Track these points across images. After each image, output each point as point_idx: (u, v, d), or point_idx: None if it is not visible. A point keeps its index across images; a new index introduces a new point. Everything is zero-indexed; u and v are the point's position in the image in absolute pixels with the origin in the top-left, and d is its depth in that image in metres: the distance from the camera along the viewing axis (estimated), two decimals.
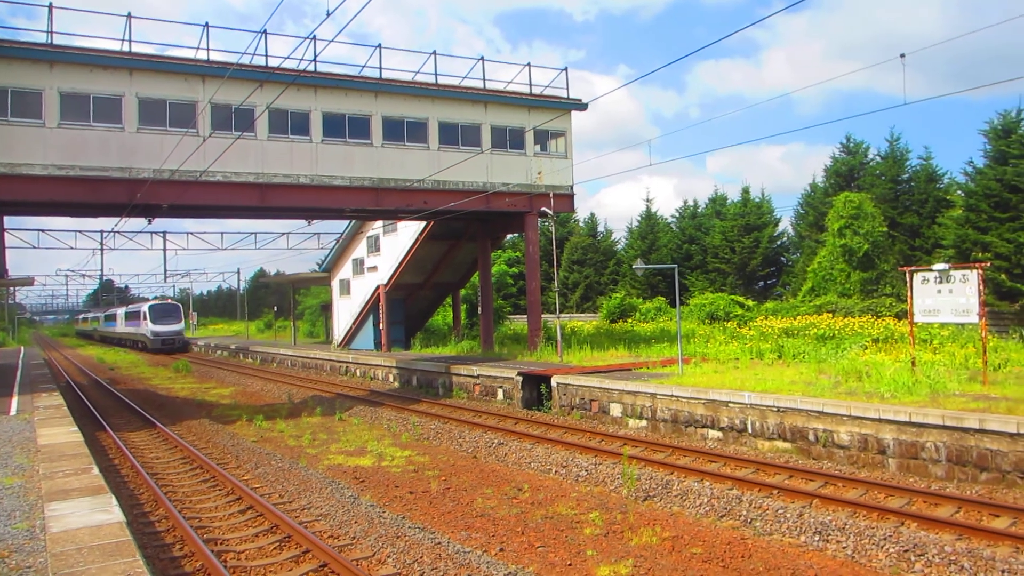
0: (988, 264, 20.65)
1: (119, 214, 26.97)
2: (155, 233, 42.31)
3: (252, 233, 41.37)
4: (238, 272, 70.14)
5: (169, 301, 70.82)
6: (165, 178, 23.20)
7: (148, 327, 64.78)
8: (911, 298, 16.81)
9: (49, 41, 22.68)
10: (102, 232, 40.16)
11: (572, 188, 31.11)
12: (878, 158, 48.26)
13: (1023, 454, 11.51)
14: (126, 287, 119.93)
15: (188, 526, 11.11)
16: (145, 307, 67.20)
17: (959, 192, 40.10)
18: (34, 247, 36.76)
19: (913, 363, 17.52)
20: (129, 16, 23.16)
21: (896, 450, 13.16)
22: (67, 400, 22.78)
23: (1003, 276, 31.67)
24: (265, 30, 23.78)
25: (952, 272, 16.14)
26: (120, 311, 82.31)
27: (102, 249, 41.09)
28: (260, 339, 69.37)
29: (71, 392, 32.13)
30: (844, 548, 9.84)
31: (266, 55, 26.50)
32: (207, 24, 24.05)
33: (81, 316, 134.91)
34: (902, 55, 14.07)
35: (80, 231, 39.93)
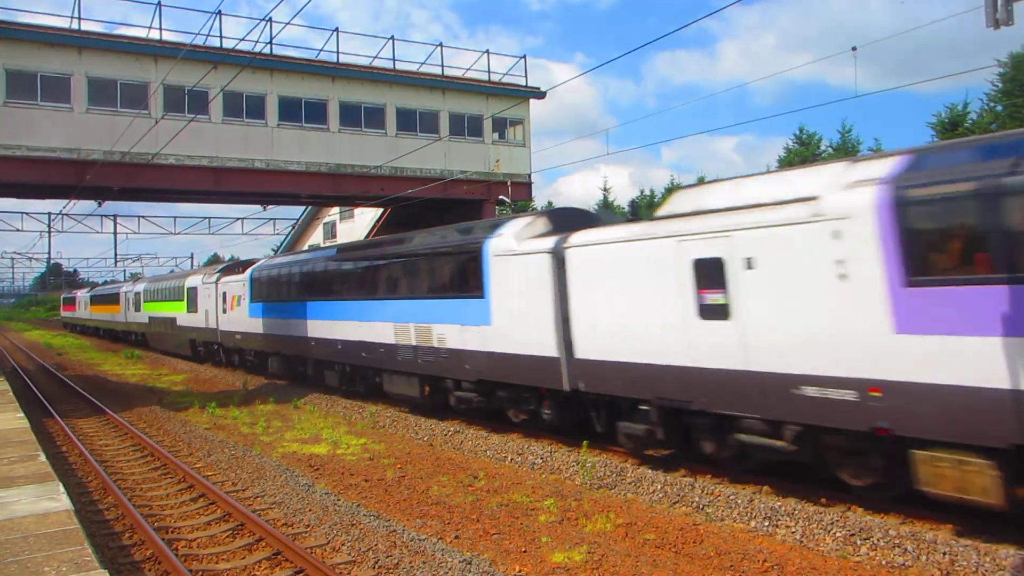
0: None
1: (67, 196, 26.38)
2: (105, 216, 41.35)
3: (206, 218, 40.82)
4: (191, 257, 68.75)
5: None
6: (116, 160, 22.71)
7: None
8: None
9: None
10: (50, 214, 39.32)
11: (530, 176, 31.14)
12: (830, 149, 49.02)
13: None
14: (75, 271, 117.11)
15: (138, 514, 10.95)
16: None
17: None
18: None
19: None
20: None
21: None
22: (13, 386, 22.26)
23: None
24: (220, 10, 23.40)
25: None
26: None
27: (49, 232, 40.15)
28: None
29: (17, 378, 31.37)
30: (793, 533, 10.04)
31: (220, 36, 26.04)
32: (159, 3, 23.56)
33: (93, 294, 69.72)
34: (854, 48, 14.30)
35: (26, 213, 39.03)
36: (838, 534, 9.74)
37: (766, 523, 10.44)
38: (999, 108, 34.55)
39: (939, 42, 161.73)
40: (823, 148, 49.50)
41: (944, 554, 8.88)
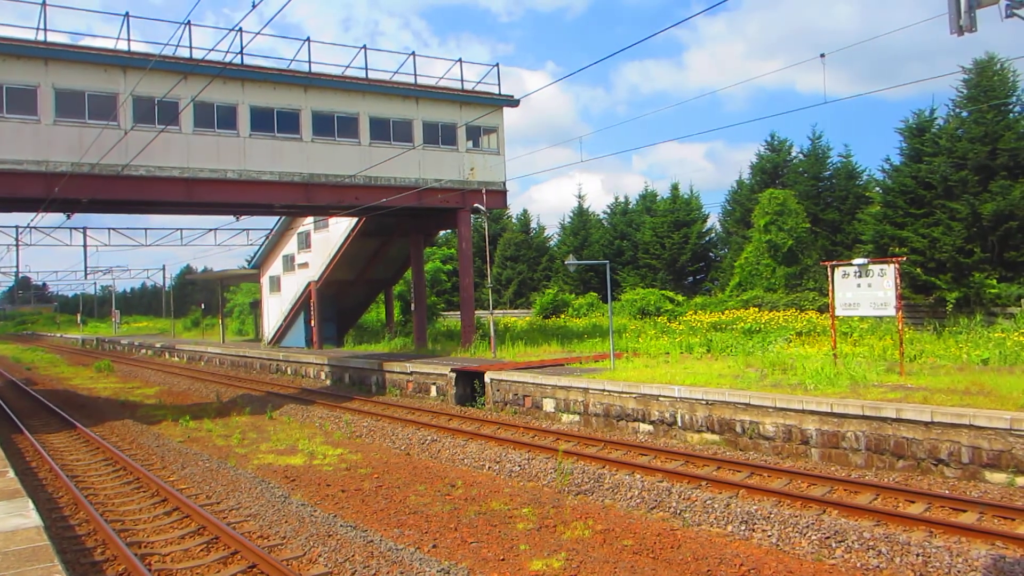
0: (904, 258, 21.35)
1: (35, 209, 25.97)
2: (75, 229, 40.71)
3: (178, 229, 40.33)
4: (163, 269, 67.93)
5: None
6: (85, 172, 22.43)
7: None
8: (832, 292, 17.33)
9: None
10: (17, 228, 38.70)
11: (505, 184, 31.14)
12: (801, 156, 49.55)
13: (937, 442, 12.00)
14: (43, 284, 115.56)
15: (110, 529, 10.79)
16: None
17: (877, 189, 41.47)
18: None
19: (835, 355, 18.08)
20: (44, 3, 22.28)
21: (818, 440, 13.57)
22: None
23: (918, 270, 32.86)
24: (189, 21, 23.21)
25: (871, 266, 16.69)
26: None
27: (17, 245, 39.55)
28: (187, 337, 67.65)
29: None
30: (769, 536, 10.10)
31: (190, 47, 25.80)
32: (127, 14, 23.34)
33: None
34: (822, 55, 14.44)
35: None
36: (813, 537, 9.81)
37: (743, 527, 10.49)
38: (964, 114, 35.11)
39: (906, 47, 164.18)
40: (794, 154, 50.04)
41: (917, 555, 8.97)
